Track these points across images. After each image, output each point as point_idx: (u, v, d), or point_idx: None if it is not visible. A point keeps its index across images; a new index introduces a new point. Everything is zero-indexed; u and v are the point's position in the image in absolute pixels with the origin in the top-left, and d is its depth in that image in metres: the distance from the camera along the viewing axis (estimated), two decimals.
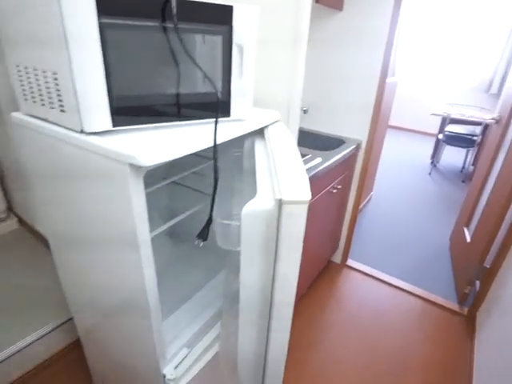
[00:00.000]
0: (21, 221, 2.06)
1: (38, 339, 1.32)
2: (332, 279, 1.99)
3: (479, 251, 1.73)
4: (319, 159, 1.37)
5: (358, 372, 1.44)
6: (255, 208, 0.49)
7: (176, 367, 0.86)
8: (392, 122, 5.82)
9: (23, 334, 1.30)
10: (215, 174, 0.59)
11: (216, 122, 0.60)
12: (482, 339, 1.51)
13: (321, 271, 2.05)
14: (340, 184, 1.64)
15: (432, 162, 4.19)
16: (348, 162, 1.70)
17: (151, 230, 0.66)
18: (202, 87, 0.69)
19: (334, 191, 1.55)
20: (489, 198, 1.84)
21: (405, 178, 3.71)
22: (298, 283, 0.55)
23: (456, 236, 2.32)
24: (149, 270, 0.66)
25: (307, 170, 1.26)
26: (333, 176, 1.52)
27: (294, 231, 0.46)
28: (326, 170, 1.37)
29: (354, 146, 1.68)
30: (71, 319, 1.40)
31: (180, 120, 0.68)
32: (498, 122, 2.05)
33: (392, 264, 2.16)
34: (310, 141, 1.90)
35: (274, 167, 0.57)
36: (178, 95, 0.65)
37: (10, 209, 2.07)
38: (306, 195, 0.45)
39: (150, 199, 0.64)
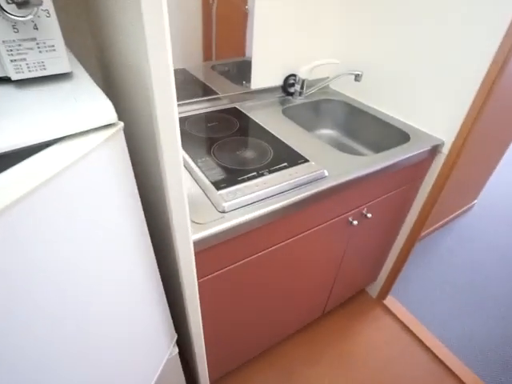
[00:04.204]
0: None
1: None
2: (354, 319, 1.49)
3: None
4: (324, 172, 0.83)
5: None
6: None
7: None
8: None
9: None
10: None
11: None
12: None
13: (347, 300, 1.56)
14: (370, 211, 1.06)
15: None
16: (405, 173, 1.09)
17: None
18: None
19: (355, 222, 1.00)
20: None
21: None
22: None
23: None
24: None
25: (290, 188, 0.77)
26: (351, 202, 0.96)
27: None
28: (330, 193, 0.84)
29: (427, 150, 1.03)
30: None
31: None
32: None
33: (456, 320, 1.51)
34: (346, 122, 1.31)
35: None
36: None
37: None
38: None
39: None
